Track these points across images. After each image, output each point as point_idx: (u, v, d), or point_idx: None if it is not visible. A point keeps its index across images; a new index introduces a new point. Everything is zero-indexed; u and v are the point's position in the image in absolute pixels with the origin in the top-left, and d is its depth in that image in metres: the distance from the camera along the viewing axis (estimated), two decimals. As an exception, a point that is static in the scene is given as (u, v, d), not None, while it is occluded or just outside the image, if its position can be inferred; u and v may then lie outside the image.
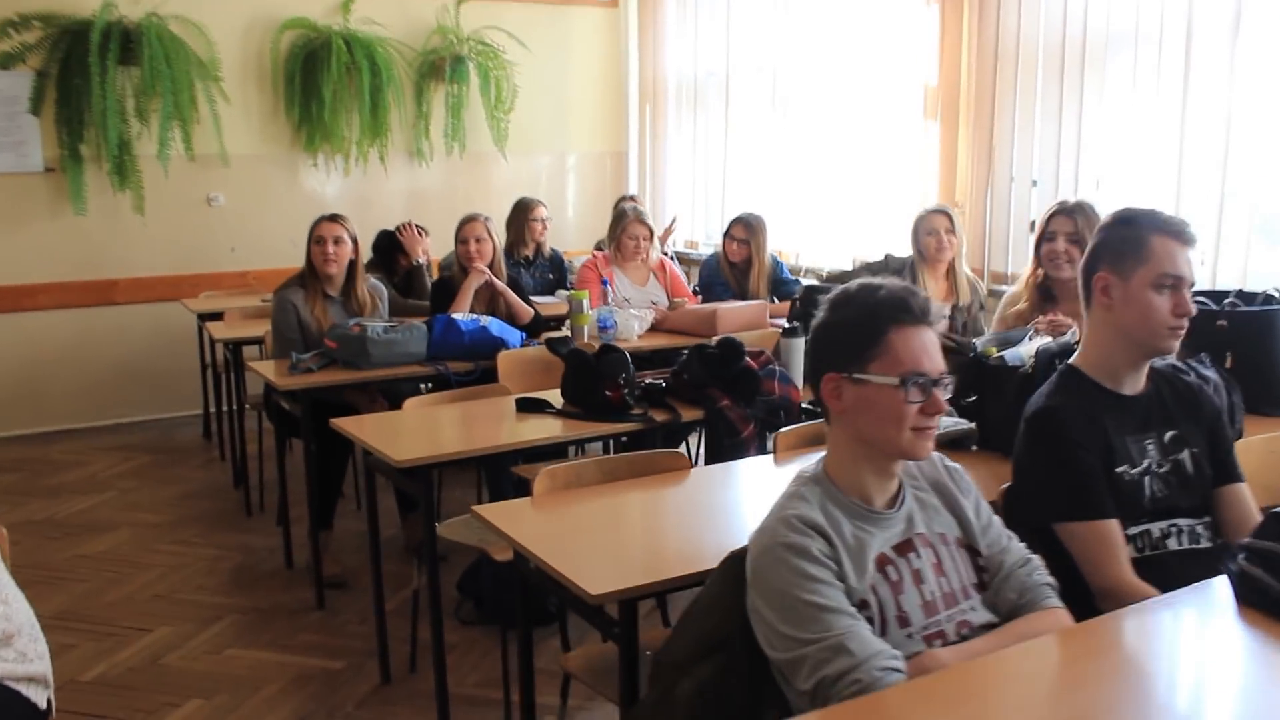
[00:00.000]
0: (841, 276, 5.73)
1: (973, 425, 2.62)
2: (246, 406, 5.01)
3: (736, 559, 1.73)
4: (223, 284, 6.46)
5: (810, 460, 1.80)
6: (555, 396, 3.31)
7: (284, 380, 3.66)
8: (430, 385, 4.05)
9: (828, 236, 6.27)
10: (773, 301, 5.11)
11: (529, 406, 3.16)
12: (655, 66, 7.52)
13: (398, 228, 5.45)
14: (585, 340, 4.25)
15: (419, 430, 3.07)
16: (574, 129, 7.64)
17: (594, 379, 3.06)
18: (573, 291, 4.25)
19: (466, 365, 3.91)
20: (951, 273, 4.30)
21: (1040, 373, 2.43)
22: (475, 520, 2.26)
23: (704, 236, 7.34)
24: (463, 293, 4.34)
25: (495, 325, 4.04)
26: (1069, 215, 3.33)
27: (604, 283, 4.42)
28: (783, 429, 2.73)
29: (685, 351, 4.60)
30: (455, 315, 4.03)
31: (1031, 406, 2.10)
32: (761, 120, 6.64)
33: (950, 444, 2.56)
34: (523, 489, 3.90)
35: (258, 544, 4.43)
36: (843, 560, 1.65)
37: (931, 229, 4.23)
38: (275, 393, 3.95)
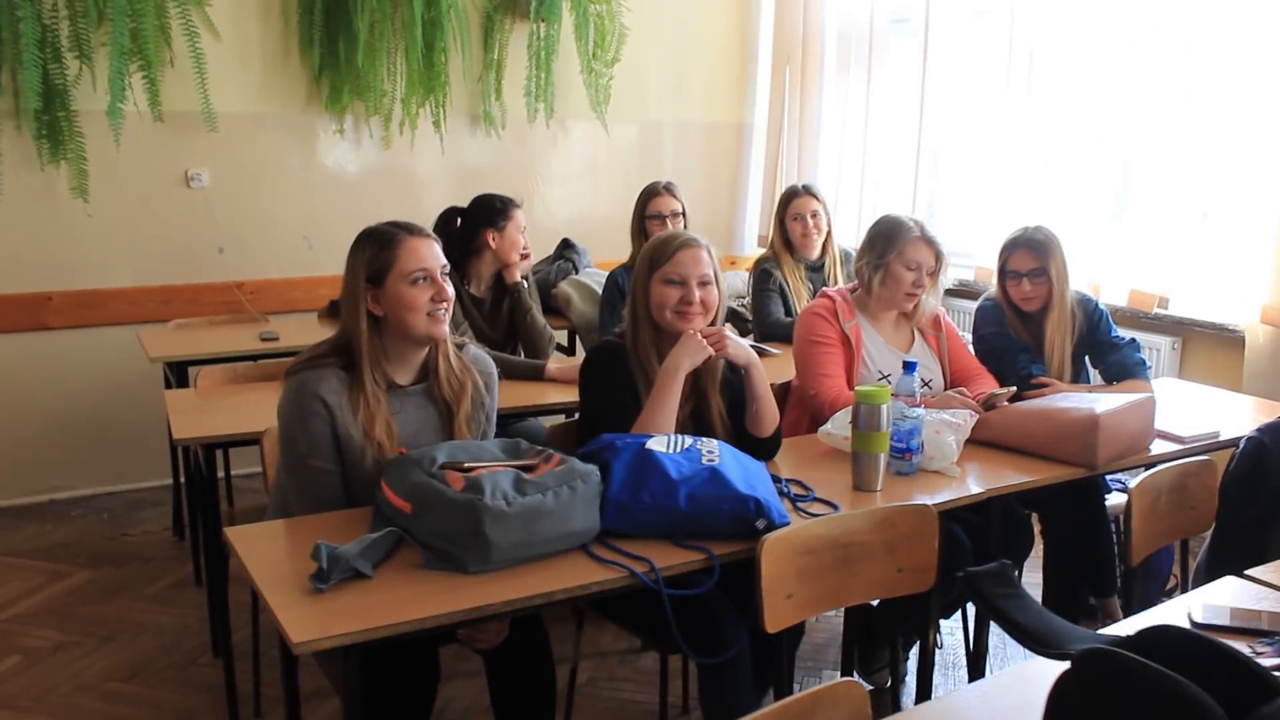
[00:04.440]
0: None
1: None
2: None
3: None
4: (205, 302, 4.46)
5: None
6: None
7: (306, 629, 1.62)
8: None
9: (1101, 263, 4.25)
10: (1080, 378, 3.13)
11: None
12: (806, 9, 5.46)
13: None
14: (878, 482, 2.25)
15: None
16: (689, 91, 5.59)
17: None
18: (866, 389, 2.21)
19: (690, 557, 1.89)
20: None
21: None
22: None
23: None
24: (666, 386, 2.28)
25: (729, 458, 2.02)
26: None
27: (910, 368, 2.37)
28: None
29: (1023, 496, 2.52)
30: (653, 443, 2.01)
31: None
32: (987, 85, 4.60)
33: None
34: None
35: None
36: None
37: None
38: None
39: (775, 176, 5.65)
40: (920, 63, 4.88)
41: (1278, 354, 3.69)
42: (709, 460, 1.99)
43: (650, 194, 3.80)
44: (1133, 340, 3.10)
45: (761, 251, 5.42)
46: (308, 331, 3.96)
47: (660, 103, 5.47)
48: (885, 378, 2.85)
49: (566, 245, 4.44)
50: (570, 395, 3.10)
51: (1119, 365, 3.04)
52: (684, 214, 3.81)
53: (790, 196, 3.98)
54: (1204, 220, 3.88)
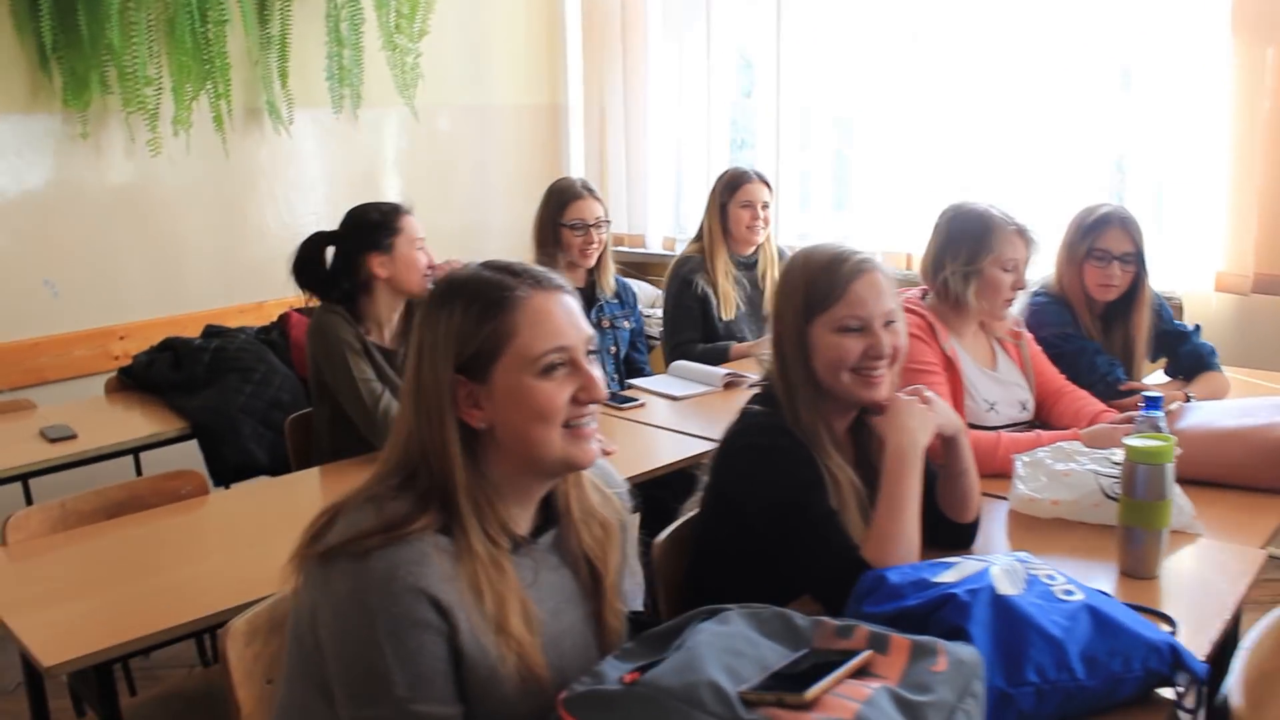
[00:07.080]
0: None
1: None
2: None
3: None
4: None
5: None
6: None
7: None
8: None
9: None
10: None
11: None
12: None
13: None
14: (1158, 566, 1.68)
15: None
16: (496, 70, 4.75)
17: None
18: (1142, 444, 1.60)
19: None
20: None
21: None
22: None
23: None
24: (906, 481, 1.52)
25: (1081, 585, 1.36)
26: None
27: (1153, 404, 1.77)
28: None
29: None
30: (1000, 584, 1.30)
31: None
32: (866, 34, 4.11)
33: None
34: None
35: None
36: None
37: None
38: None
39: (602, 161, 4.95)
40: (774, 15, 4.32)
41: (1236, 322, 3.53)
42: (1066, 595, 1.32)
43: (569, 195, 3.00)
44: (1197, 327, 2.74)
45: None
46: (101, 418, 2.86)
47: (462, 84, 4.59)
48: (993, 408, 2.29)
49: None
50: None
51: (1192, 357, 2.66)
52: (608, 221, 3.07)
53: (740, 180, 3.32)
54: (1152, 190, 3.63)
